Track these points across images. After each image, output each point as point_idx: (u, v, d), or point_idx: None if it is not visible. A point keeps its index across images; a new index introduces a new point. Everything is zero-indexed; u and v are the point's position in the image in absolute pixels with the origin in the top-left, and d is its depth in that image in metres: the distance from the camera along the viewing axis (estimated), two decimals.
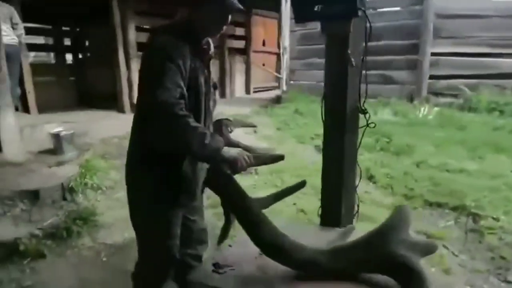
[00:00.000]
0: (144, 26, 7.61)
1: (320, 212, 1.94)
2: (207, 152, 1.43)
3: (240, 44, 10.22)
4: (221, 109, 6.98)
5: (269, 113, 7.49)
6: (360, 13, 1.50)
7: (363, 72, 1.69)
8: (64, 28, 8.32)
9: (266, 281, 1.44)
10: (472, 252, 3.03)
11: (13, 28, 4.80)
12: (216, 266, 1.55)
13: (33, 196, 3.22)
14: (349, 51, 1.58)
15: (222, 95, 9.55)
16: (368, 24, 1.60)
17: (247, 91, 10.43)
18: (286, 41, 10.52)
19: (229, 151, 1.58)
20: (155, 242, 1.77)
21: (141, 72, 1.57)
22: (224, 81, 9.60)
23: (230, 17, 1.60)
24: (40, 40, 10.45)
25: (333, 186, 1.83)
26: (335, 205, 1.81)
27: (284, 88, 10.36)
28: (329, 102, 1.76)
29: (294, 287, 1.39)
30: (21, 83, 5.41)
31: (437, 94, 7.34)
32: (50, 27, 8.09)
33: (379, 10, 8.05)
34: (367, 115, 1.77)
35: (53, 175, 3.54)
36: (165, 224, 1.71)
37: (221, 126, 1.87)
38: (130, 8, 6.63)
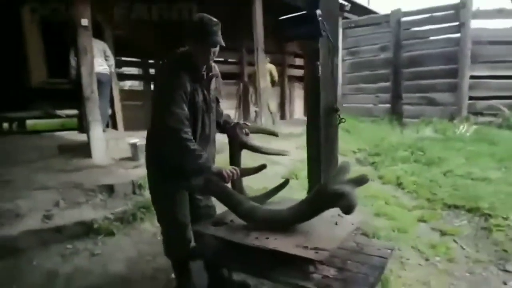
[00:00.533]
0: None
1: (307, 192, 2.27)
2: (199, 168, 1.94)
3: (299, 72, 10.70)
4: (279, 129, 7.48)
5: None
6: (323, 34, 1.87)
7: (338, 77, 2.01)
8: (149, 61, 9.37)
9: (250, 228, 1.82)
10: (478, 246, 3.12)
11: (106, 60, 5.59)
12: (215, 223, 1.94)
13: (110, 189, 3.82)
14: (318, 63, 1.94)
15: (282, 117, 10.03)
16: (330, 43, 1.96)
17: (305, 113, 10.79)
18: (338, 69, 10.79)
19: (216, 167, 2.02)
20: (167, 218, 2.28)
21: (154, 94, 2.15)
22: (284, 105, 10.10)
23: (215, 51, 2.03)
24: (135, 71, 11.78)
25: (314, 175, 2.16)
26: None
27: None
28: (309, 105, 2.11)
29: (264, 234, 1.74)
30: (111, 105, 6.25)
31: (476, 114, 7.33)
32: (139, 59, 8.97)
33: (421, 39, 8.22)
34: (339, 113, 2.09)
35: (128, 174, 4.15)
36: (172, 202, 2.19)
37: (236, 129, 2.30)
38: None
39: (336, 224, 1.82)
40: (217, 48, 2.04)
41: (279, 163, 5.55)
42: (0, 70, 5.30)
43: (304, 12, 1.90)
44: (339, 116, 2.10)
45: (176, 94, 1.93)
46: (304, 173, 5.06)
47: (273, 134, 2.70)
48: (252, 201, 1.90)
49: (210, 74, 2.16)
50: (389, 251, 1.87)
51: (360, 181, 1.65)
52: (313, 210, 1.71)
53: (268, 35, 7.12)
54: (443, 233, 3.40)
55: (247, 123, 2.44)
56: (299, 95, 10.68)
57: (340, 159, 5.73)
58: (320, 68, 1.93)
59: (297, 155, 6.18)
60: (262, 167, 2.13)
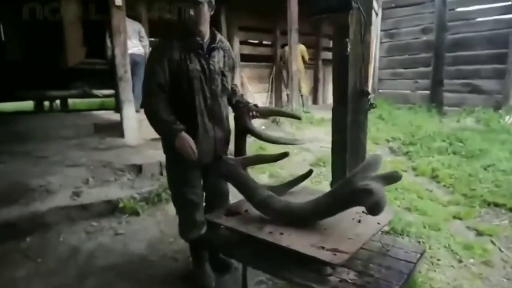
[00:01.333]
0: (247, 40, 8.20)
1: (330, 183, 2.04)
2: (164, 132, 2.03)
3: None
4: (310, 114, 7.19)
5: None
6: (354, 6, 1.60)
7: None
8: None
9: (265, 220, 1.63)
10: None
11: (140, 41, 5.48)
12: (228, 212, 1.76)
13: (138, 169, 3.78)
14: (347, 40, 1.68)
15: (315, 101, 9.67)
16: (363, 17, 1.68)
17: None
18: (376, 52, 10.20)
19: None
20: (177, 198, 2.25)
21: None
22: (317, 89, 9.71)
23: (199, 10, 1.94)
24: None
25: (339, 166, 1.92)
26: (341, 177, 1.89)
27: (372, 96, 10.01)
28: (335, 87, 1.86)
29: (279, 228, 1.55)
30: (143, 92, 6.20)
31: None
32: None
33: (467, 20, 7.43)
34: (370, 97, 1.83)
35: (156, 155, 4.06)
36: (179, 176, 2.16)
37: (243, 110, 2.16)
38: (235, 24, 7.27)
39: (359, 222, 1.59)
40: (203, 9, 1.97)
41: (308, 150, 5.31)
42: (40, 51, 5.36)
43: None
44: (370, 101, 1.83)
45: (156, 62, 1.97)
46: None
47: (294, 117, 2.48)
48: (270, 191, 1.70)
49: (213, 45, 2.07)
50: (418, 254, 1.61)
51: (391, 177, 1.42)
52: (335, 207, 1.50)
53: (303, 16, 6.76)
54: (479, 233, 3.07)
55: (258, 105, 2.26)
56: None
57: (373, 147, 5.54)
58: (349, 45, 1.66)
59: (327, 142, 5.89)
60: (284, 155, 1.92)
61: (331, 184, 2.02)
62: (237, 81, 4.31)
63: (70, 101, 7.13)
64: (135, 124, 4.74)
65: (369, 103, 1.83)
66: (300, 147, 5.48)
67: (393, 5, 8.73)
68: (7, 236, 2.82)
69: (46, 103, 6.37)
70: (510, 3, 6.66)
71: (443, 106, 7.55)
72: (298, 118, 2.39)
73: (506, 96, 6.68)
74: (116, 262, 2.63)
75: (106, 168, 3.71)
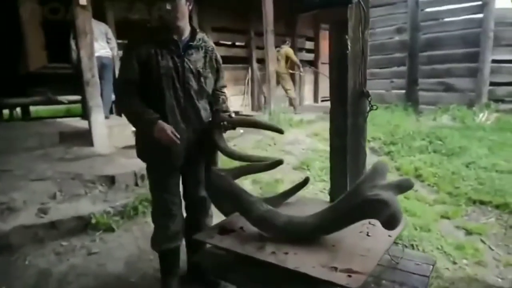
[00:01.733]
0: (220, 41, 8.03)
1: (329, 191, 1.91)
2: (140, 124, 1.93)
3: (310, 56, 10.23)
4: (289, 116, 7.10)
5: None
6: (354, 0, 1.48)
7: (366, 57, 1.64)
8: None
9: (264, 238, 1.47)
10: (509, 247, 2.80)
11: (108, 43, 5.23)
12: (222, 230, 1.60)
13: (110, 180, 3.53)
14: (346, 36, 1.56)
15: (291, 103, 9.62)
16: (362, 11, 1.57)
17: (315, 99, 10.37)
18: None
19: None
20: (153, 198, 2.15)
21: None
22: (294, 90, 9.66)
23: (163, 6, 1.81)
24: None
25: (339, 171, 1.80)
26: (342, 185, 1.77)
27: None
28: (333, 88, 1.73)
29: (282, 247, 1.39)
30: (114, 90, 5.93)
31: (497, 101, 6.83)
32: None
33: (440, 20, 7.60)
34: (370, 98, 1.71)
35: (130, 164, 3.83)
36: (156, 181, 2.08)
37: (214, 121, 2.03)
38: (207, 25, 7.09)
39: (368, 235, 1.46)
40: (180, 3, 1.83)
41: (290, 152, 5.21)
42: None
43: None
44: (370, 102, 1.72)
45: (125, 57, 1.95)
46: (317, 163, 4.75)
47: (275, 130, 2.02)
48: (266, 204, 1.54)
49: (190, 43, 1.94)
50: (430, 266, 1.51)
51: (404, 186, 1.30)
52: (343, 221, 1.36)
53: (278, 16, 6.67)
54: (469, 232, 3.09)
55: (232, 114, 2.13)
56: (309, 80, 10.23)
57: None
58: (349, 43, 1.54)
59: (308, 144, 5.82)
60: (278, 163, 1.78)
61: (331, 192, 1.89)
62: None
63: (32, 108, 6.70)
64: (105, 131, 4.47)
65: (370, 104, 1.72)
66: (282, 149, 5.37)
67: None
68: None
69: (6, 111, 5.95)
70: (480, 3, 6.85)
71: (418, 105, 7.68)
72: (279, 131, 2.01)
73: (478, 94, 6.89)
74: (91, 286, 2.41)
75: (75, 181, 3.44)
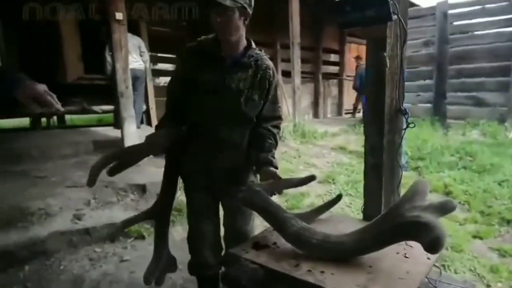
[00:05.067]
0: None
1: (363, 209, 1.87)
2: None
3: (334, 69, 10.20)
4: (313, 128, 7.06)
5: (357, 131, 7.29)
6: (394, 18, 1.46)
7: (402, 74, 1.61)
8: None
9: (299, 255, 1.44)
10: None
11: (141, 55, 5.39)
12: (256, 245, 1.57)
13: (141, 189, 3.59)
14: (385, 54, 1.53)
15: (315, 115, 9.59)
16: (401, 29, 1.54)
17: (339, 112, 10.29)
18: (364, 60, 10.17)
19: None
20: (188, 223, 2.07)
21: None
22: (318, 103, 9.63)
23: (217, 16, 1.62)
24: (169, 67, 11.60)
25: (373, 189, 1.75)
26: (376, 204, 1.73)
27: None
28: (370, 105, 1.70)
29: (318, 265, 1.36)
30: (146, 101, 6.05)
31: None
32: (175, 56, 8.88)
33: (469, 33, 7.41)
34: (407, 116, 1.67)
35: (160, 174, 3.86)
36: (189, 201, 2.00)
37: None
38: None
39: (406, 256, 1.41)
40: (232, 16, 1.62)
41: (315, 166, 5.17)
42: (37, 66, 5.17)
43: None
44: (407, 120, 1.67)
45: (175, 68, 2.00)
46: (342, 177, 4.69)
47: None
48: (301, 221, 1.51)
49: (238, 60, 1.75)
50: None
51: (446, 207, 1.25)
52: (381, 241, 1.32)
53: (303, 30, 6.69)
54: (502, 254, 2.96)
55: (277, 171, 1.76)
56: (333, 93, 10.18)
57: None
58: (387, 60, 1.51)
59: (333, 157, 5.76)
60: (311, 178, 1.72)
61: (364, 210, 1.85)
62: None
63: (68, 117, 6.93)
64: (137, 141, 4.54)
65: (407, 122, 1.68)
66: (306, 162, 5.33)
67: None
68: (5, 264, 2.61)
69: (43, 119, 6.18)
70: (511, 16, 6.65)
71: (446, 119, 7.47)
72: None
73: (510, 109, 6.62)
74: None
75: (108, 189, 3.51)
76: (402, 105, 1.66)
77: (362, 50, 10.82)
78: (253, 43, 1.80)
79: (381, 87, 1.58)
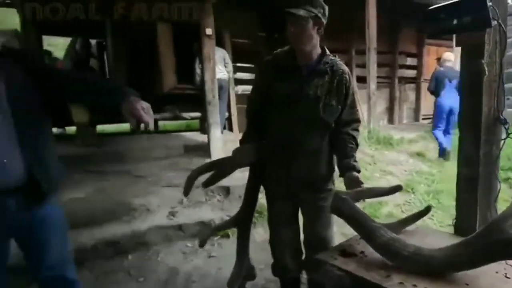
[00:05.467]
0: None
1: (454, 222, 1.72)
2: None
3: (412, 73, 9.59)
4: (389, 134, 6.70)
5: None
6: (493, 23, 1.33)
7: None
8: None
9: (389, 266, 1.38)
10: None
11: (225, 67, 5.63)
12: (343, 252, 1.54)
13: (226, 191, 3.73)
14: (483, 61, 1.40)
15: (390, 121, 9.10)
16: (501, 34, 1.39)
17: (416, 118, 9.62)
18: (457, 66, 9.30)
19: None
20: (269, 227, 2.08)
21: None
22: (393, 108, 9.13)
23: (291, 25, 1.65)
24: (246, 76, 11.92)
25: (467, 198, 1.61)
26: (471, 218, 1.58)
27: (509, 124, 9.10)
28: (465, 114, 1.57)
29: (409, 278, 1.29)
30: (228, 108, 6.30)
31: None
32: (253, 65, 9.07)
33: None
34: (507, 126, 1.50)
35: (243, 178, 4.00)
36: (269, 206, 2.03)
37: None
38: None
39: (506, 277, 1.28)
40: (306, 26, 1.63)
41: (391, 173, 4.89)
42: (140, 79, 5.70)
43: None
44: (507, 130, 1.51)
45: (255, 83, 1.97)
46: (422, 187, 4.38)
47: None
48: (390, 231, 1.45)
49: (314, 68, 1.74)
50: None
51: None
52: (479, 258, 1.21)
53: (380, 34, 6.40)
54: None
55: (359, 177, 1.75)
56: (409, 98, 9.56)
57: None
58: (485, 67, 1.38)
59: (411, 165, 5.40)
60: (398, 188, 1.65)
61: (456, 224, 1.71)
62: None
63: (161, 123, 7.49)
64: (221, 145, 4.75)
65: (507, 132, 1.51)
66: (382, 170, 5.08)
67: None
68: (113, 253, 2.89)
69: (142, 125, 6.73)
70: None
71: None
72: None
73: None
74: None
75: (198, 189, 3.66)
76: (502, 114, 1.50)
77: (443, 52, 10.03)
78: (327, 50, 1.79)
79: (478, 96, 1.46)
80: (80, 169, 4.06)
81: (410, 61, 9.58)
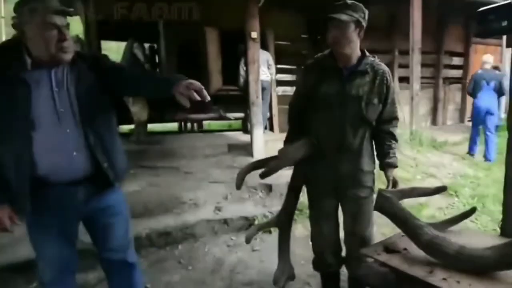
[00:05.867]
0: None
1: (500, 225, 1.69)
2: None
3: (457, 73, 9.15)
4: (432, 136, 6.46)
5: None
6: None
7: None
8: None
9: (432, 263, 1.40)
10: None
11: (268, 68, 5.73)
12: (387, 249, 1.58)
13: (268, 188, 3.81)
14: None
15: (434, 122, 8.74)
16: None
17: (461, 119, 9.16)
18: (507, 67, 8.72)
19: None
20: (310, 223, 2.15)
21: None
22: (437, 109, 8.76)
23: (344, 32, 1.71)
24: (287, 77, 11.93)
25: None
26: None
27: (502, 115, 8.59)
28: None
29: (453, 275, 1.30)
30: (270, 108, 6.38)
31: None
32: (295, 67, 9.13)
33: None
34: None
35: (284, 176, 3.98)
36: (312, 201, 2.07)
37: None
38: None
39: None
40: (347, 29, 1.72)
41: (434, 176, 4.74)
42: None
43: None
44: None
45: (297, 87, 2.08)
46: (466, 190, 4.22)
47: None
48: (434, 229, 1.46)
49: (354, 70, 1.80)
50: None
51: None
52: None
53: (424, 33, 6.20)
54: None
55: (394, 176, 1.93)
56: (455, 99, 9.12)
57: None
58: None
59: (455, 168, 5.20)
60: (442, 189, 1.66)
61: (502, 225, 1.68)
62: None
63: (205, 122, 7.73)
64: (263, 144, 4.85)
65: None
66: (424, 172, 4.93)
67: None
68: (164, 243, 3.07)
69: (189, 124, 7.04)
70: None
71: None
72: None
73: None
74: (255, 279, 2.64)
75: (243, 186, 3.79)
76: None
77: (491, 51, 9.46)
78: (366, 52, 1.85)
79: None
80: (134, 165, 4.32)
81: (456, 60, 9.14)
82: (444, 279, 1.29)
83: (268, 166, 1.91)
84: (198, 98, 1.38)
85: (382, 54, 7.99)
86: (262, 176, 1.90)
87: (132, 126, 5.40)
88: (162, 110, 5.20)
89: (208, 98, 1.41)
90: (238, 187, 1.98)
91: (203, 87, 1.40)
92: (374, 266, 1.60)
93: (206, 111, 5.54)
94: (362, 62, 1.81)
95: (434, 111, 8.79)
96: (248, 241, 2.13)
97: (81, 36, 5.30)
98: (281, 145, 2.05)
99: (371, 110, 1.83)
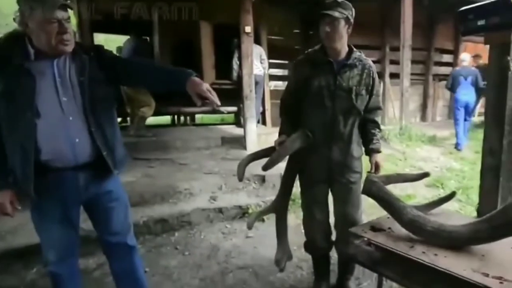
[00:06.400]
0: None
1: (477, 207, 1.85)
2: None
3: (447, 70, 9.37)
4: (421, 131, 6.67)
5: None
6: None
7: None
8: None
9: (413, 240, 1.55)
10: None
11: (261, 63, 5.83)
12: (373, 228, 1.72)
13: (261, 179, 3.95)
14: (508, 58, 1.53)
15: (423, 118, 8.98)
16: None
17: (450, 115, 9.40)
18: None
19: None
20: (302, 208, 2.29)
21: None
22: (426, 105, 8.99)
23: (326, 25, 1.86)
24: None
25: (489, 190, 1.74)
26: (492, 203, 1.72)
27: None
28: (491, 107, 1.69)
29: (431, 249, 1.45)
30: (262, 103, 6.50)
31: None
32: (287, 62, 9.22)
33: None
34: None
35: (277, 168, 4.13)
36: (305, 189, 2.20)
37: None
38: None
39: None
40: (338, 25, 1.86)
41: (422, 169, 4.94)
42: None
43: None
44: None
45: (288, 81, 2.20)
46: (452, 183, 4.42)
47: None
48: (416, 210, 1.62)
49: (345, 63, 1.95)
50: None
51: None
52: (495, 233, 1.36)
53: (415, 30, 6.39)
54: None
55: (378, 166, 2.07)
56: (444, 95, 9.36)
57: None
58: (511, 63, 1.51)
59: (442, 162, 5.41)
60: (425, 175, 1.81)
61: (479, 209, 1.84)
62: None
63: (198, 116, 7.84)
64: (256, 138, 4.98)
65: None
66: (413, 166, 5.13)
67: None
68: (161, 230, 3.19)
69: (182, 118, 7.12)
70: None
71: None
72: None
73: None
74: (249, 263, 2.77)
75: (235, 177, 3.93)
76: None
77: (480, 49, 9.71)
78: (353, 48, 2.01)
79: (503, 90, 1.58)
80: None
81: (446, 57, 9.37)
82: (423, 252, 1.45)
83: (270, 158, 2.03)
84: (219, 103, 1.53)
85: (374, 50, 8.18)
86: (265, 168, 2.02)
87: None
88: (156, 103, 5.27)
89: (219, 103, 1.55)
90: (240, 178, 2.11)
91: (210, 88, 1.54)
92: (361, 245, 1.74)
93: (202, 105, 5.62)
94: (351, 56, 1.96)
95: (423, 107, 9.02)
96: (250, 227, 2.24)
97: (75, 28, 5.36)
98: (273, 138, 2.18)
99: (360, 101, 1.99)
